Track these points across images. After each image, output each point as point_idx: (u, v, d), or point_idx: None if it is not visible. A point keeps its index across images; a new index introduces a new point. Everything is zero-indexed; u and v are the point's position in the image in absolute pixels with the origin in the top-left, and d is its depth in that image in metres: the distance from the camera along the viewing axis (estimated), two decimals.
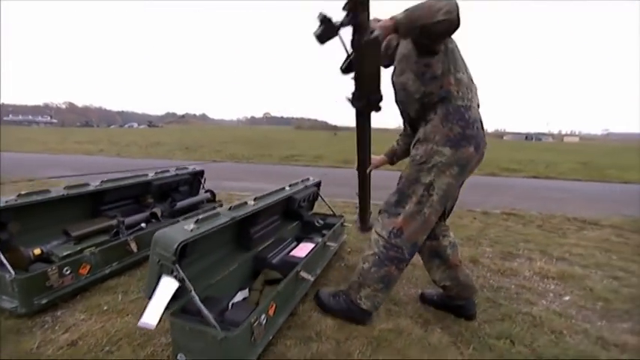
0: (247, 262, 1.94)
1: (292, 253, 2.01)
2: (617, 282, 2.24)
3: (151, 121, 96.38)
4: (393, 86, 1.59)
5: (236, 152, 14.57)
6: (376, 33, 1.17)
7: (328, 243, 2.24)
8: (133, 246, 2.15)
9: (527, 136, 71.53)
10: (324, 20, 1.15)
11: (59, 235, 1.95)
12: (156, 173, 2.75)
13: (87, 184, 2.19)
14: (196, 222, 1.40)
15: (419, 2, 1.23)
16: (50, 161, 9.42)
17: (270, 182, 6.36)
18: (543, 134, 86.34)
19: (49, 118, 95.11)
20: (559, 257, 2.65)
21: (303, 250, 2.06)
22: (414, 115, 1.54)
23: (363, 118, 1.45)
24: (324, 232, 2.55)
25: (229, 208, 1.66)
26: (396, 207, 1.52)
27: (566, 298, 2.00)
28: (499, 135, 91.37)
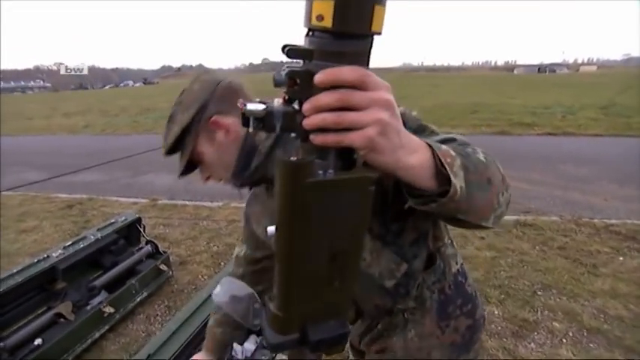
0: None
1: None
2: None
3: (146, 78, 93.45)
4: None
5: None
6: (367, 173, 0.37)
7: None
8: None
9: (540, 68, 67.17)
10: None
11: None
12: (65, 248, 2.12)
13: None
14: None
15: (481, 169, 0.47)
16: (23, 151, 8.78)
17: None
18: (557, 64, 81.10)
19: (41, 82, 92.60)
20: (591, 329, 2.04)
21: None
22: (372, 311, 0.78)
23: None
24: None
25: None
26: None
27: None
28: (509, 68, 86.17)
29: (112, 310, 2.10)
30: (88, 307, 2.08)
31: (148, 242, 2.66)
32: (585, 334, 2.02)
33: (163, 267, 2.56)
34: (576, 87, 21.87)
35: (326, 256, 0.41)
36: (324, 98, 0.33)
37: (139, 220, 2.66)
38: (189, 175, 0.75)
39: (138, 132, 11.89)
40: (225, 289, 0.72)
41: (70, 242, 2.21)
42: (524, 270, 2.67)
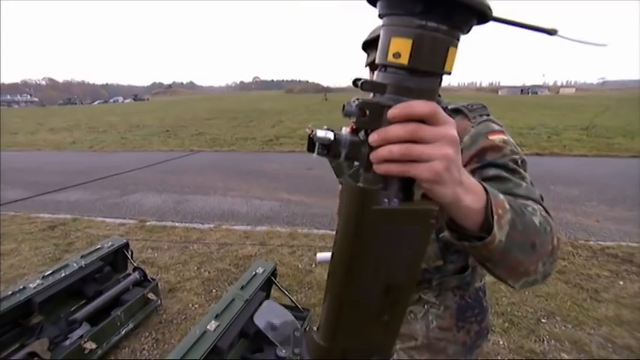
0: None
1: None
2: None
3: (136, 95, 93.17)
4: None
5: (218, 135, 13.72)
6: (431, 206, 0.37)
7: None
8: None
9: (523, 90, 69.56)
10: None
11: None
12: (43, 278, 1.98)
13: None
14: None
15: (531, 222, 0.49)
16: (4, 168, 8.46)
17: (246, 194, 5.55)
18: (539, 86, 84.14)
19: (28, 96, 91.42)
20: None
21: None
22: None
23: None
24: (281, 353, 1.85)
25: None
26: None
27: None
28: (494, 89, 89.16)
29: (93, 345, 1.94)
30: (67, 343, 1.91)
31: (135, 269, 2.51)
32: None
33: (151, 295, 2.40)
34: (558, 109, 22.55)
35: (380, 289, 0.40)
36: (395, 130, 0.34)
37: (126, 246, 2.51)
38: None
39: (126, 149, 11.70)
40: (266, 313, 0.76)
41: (49, 271, 2.05)
42: (526, 296, 2.61)
